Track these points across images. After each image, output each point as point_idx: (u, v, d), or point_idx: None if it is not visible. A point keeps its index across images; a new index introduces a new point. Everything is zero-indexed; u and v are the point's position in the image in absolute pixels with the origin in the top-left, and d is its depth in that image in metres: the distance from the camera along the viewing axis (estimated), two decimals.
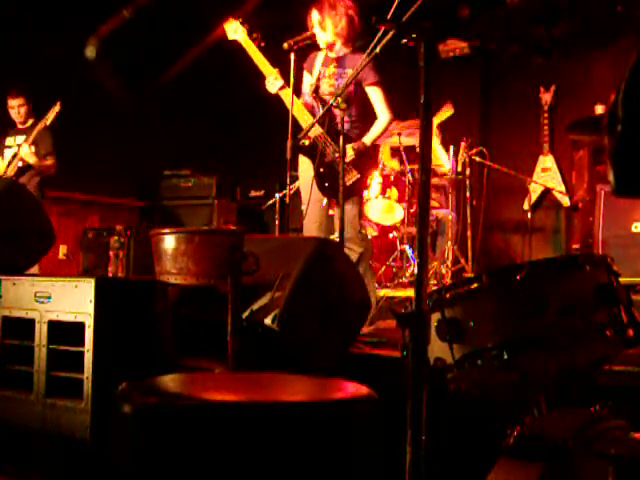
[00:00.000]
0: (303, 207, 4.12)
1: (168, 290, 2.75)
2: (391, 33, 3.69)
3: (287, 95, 3.83)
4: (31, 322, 2.69)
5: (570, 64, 6.60)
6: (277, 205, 5.99)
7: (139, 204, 7.30)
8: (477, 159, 5.98)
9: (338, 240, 3.67)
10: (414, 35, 1.45)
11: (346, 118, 3.88)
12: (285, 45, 3.81)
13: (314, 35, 3.90)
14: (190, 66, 6.43)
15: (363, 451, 1.48)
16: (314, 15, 3.92)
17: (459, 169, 6.08)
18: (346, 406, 1.48)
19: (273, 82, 3.88)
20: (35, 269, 4.13)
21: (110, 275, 5.54)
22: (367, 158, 3.97)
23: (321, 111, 3.82)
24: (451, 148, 6.03)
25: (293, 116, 3.81)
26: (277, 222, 5.94)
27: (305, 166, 4.04)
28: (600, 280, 1.80)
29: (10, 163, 5.47)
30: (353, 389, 1.58)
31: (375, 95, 3.94)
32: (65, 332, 2.58)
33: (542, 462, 1.54)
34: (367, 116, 4.02)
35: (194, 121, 7.42)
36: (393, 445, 1.52)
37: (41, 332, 2.65)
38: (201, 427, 1.37)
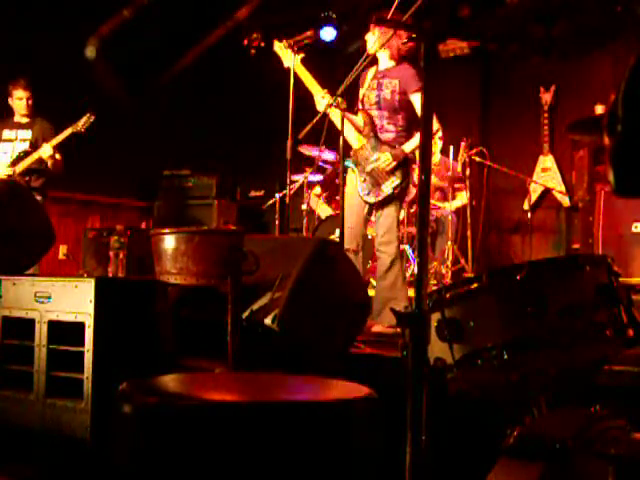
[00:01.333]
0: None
1: (168, 290, 2.75)
2: (391, 33, 3.70)
3: (334, 112, 3.95)
4: (31, 322, 2.69)
5: (570, 64, 6.60)
6: (277, 205, 5.99)
7: (139, 204, 7.30)
8: (477, 159, 5.98)
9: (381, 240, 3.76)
10: (414, 35, 1.45)
11: (392, 127, 4.05)
12: (285, 45, 3.84)
13: (314, 35, 3.96)
14: (190, 66, 6.43)
15: (363, 451, 1.48)
16: (372, 26, 4.08)
17: (459, 169, 6.08)
18: (346, 406, 1.48)
19: (320, 101, 4.00)
20: (35, 269, 4.13)
21: (110, 275, 5.53)
22: (407, 165, 4.03)
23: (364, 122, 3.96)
24: (451, 148, 6.03)
25: (291, 117, 3.88)
26: (277, 222, 5.94)
27: (351, 179, 4.16)
28: (600, 280, 1.80)
29: (19, 160, 5.41)
30: (353, 389, 1.58)
31: (419, 102, 4.01)
32: (65, 332, 2.58)
33: (542, 462, 1.54)
34: (415, 126, 4.11)
35: (194, 121, 7.42)
36: (393, 445, 1.51)
37: (41, 332, 2.65)
38: (201, 427, 1.37)
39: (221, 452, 1.37)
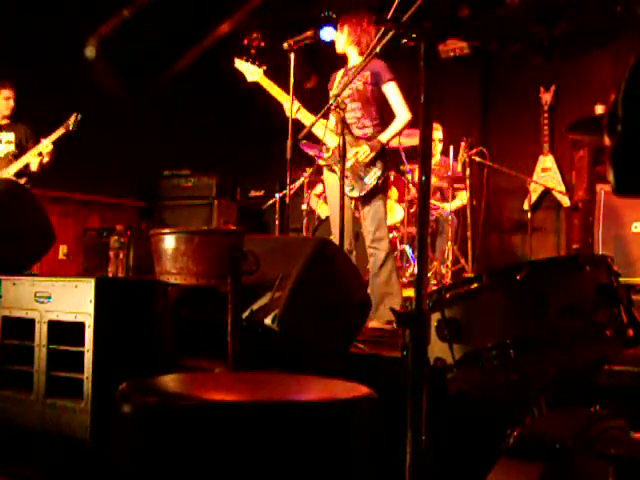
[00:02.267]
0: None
1: (168, 290, 2.75)
2: (391, 33, 3.70)
3: (304, 114, 3.99)
4: (31, 322, 2.69)
5: (570, 64, 6.60)
6: (277, 205, 5.99)
7: (139, 204, 7.30)
8: (477, 159, 5.98)
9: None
10: (414, 35, 1.45)
11: (368, 122, 4.03)
12: (285, 45, 3.84)
13: (314, 35, 3.95)
14: (190, 65, 6.42)
15: (363, 451, 1.48)
16: (340, 25, 4.12)
17: (459, 169, 6.08)
18: (346, 406, 1.48)
19: (288, 107, 3.98)
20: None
21: (110, 275, 5.53)
22: (385, 156, 4.02)
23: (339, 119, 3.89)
24: (451, 148, 6.03)
25: (296, 121, 3.92)
26: (277, 222, 5.94)
27: (329, 178, 4.15)
28: (600, 280, 1.80)
29: (10, 161, 5.40)
30: (353, 389, 1.58)
31: (392, 92, 4.01)
32: (65, 332, 2.58)
33: (542, 462, 1.54)
34: (388, 118, 4.08)
35: (194, 121, 7.42)
36: (393, 445, 1.52)
37: (41, 332, 2.65)
38: (201, 427, 1.37)
39: (221, 452, 1.37)
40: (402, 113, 3.99)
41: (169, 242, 2.61)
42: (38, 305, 2.68)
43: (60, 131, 5.35)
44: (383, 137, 3.99)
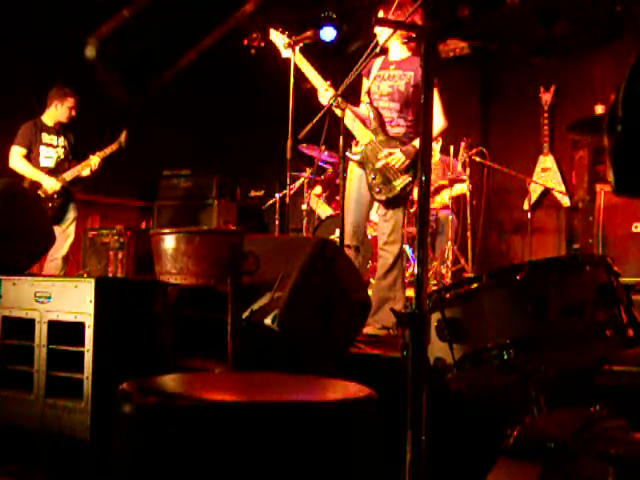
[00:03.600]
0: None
1: (168, 290, 2.75)
2: (392, 33, 3.69)
3: (338, 109, 3.82)
4: (31, 322, 2.68)
5: (570, 64, 6.60)
6: (277, 205, 6.00)
7: (139, 204, 7.30)
8: (477, 159, 5.98)
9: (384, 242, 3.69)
10: (414, 35, 1.45)
11: (402, 122, 3.91)
12: (285, 45, 3.82)
13: (314, 35, 3.91)
14: (190, 65, 6.43)
15: (363, 451, 1.48)
16: (380, 12, 3.92)
17: (459, 169, 6.08)
18: (346, 406, 1.48)
19: (324, 94, 3.87)
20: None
21: (110, 275, 5.53)
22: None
23: (372, 116, 3.81)
24: (451, 148, 6.03)
25: (291, 117, 3.82)
26: (277, 222, 5.94)
27: (354, 172, 4.02)
28: (600, 280, 1.80)
29: (69, 167, 5.46)
30: (353, 389, 1.58)
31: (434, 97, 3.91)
32: (65, 332, 2.58)
33: (542, 462, 1.54)
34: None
35: (194, 121, 7.42)
36: (393, 445, 1.52)
37: (41, 332, 2.65)
38: (201, 427, 1.37)
39: (221, 452, 1.37)
40: (437, 120, 3.87)
41: (169, 242, 2.61)
42: (38, 305, 2.68)
43: (113, 147, 5.52)
44: (418, 143, 3.90)
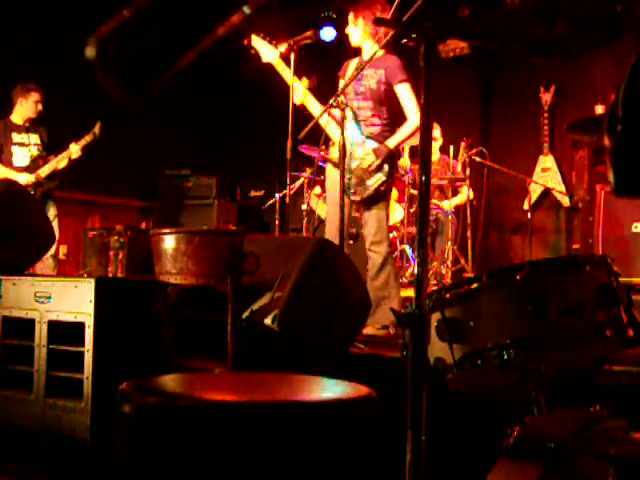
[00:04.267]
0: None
1: (168, 290, 2.75)
2: (391, 33, 3.69)
3: (309, 101, 3.87)
4: (31, 322, 2.68)
5: (570, 64, 6.60)
6: (277, 205, 6.00)
7: (139, 204, 7.30)
8: (477, 159, 5.98)
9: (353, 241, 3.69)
10: (414, 35, 1.45)
11: (377, 121, 3.91)
12: (285, 45, 3.82)
13: (314, 35, 3.91)
14: (190, 66, 6.43)
15: (363, 451, 1.48)
16: (350, 15, 3.96)
17: (459, 169, 6.08)
18: (346, 406, 1.48)
19: (297, 91, 3.90)
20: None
21: (110, 275, 5.53)
22: (393, 161, 3.92)
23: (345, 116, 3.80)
24: (451, 148, 6.03)
25: (291, 117, 3.82)
26: (277, 222, 5.94)
27: (331, 173, 4.04)
28: (600, 280, 1.80)
29: (44, 163, 5.46)
30: (353, 389, 1.58)
31: (404, 93, 3.88)
32: (65, 332, 2.58)
33: (542, 462, 1.54)
34: (399, 119, 3.97)
35: (194, 121, 7.42)
36: (393, 445, 1.52)
37: (41, 332, 2.65)
38: (201, 427, 1.37)
39: (221, 452, 1.37)
40: (413, 116, 3.86)
41: (169, 242, 2.61)
42: (38, 305, 2.68)
43: (88, 138, 5.52)
44: (391, 142, 3.87)
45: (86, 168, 6.30)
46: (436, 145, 6.25)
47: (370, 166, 3.81)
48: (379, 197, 3.87)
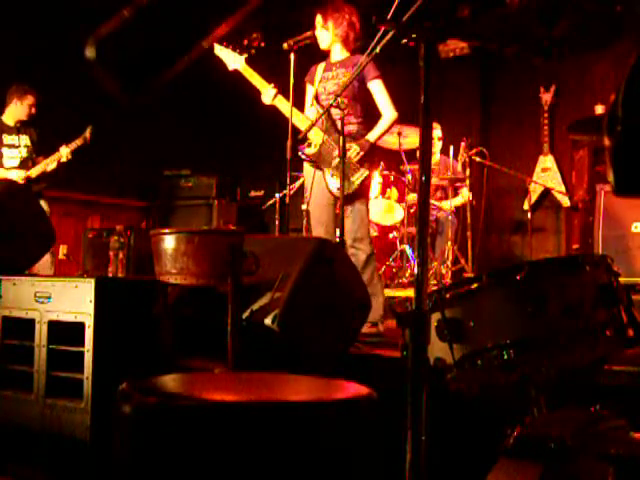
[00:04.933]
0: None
1: (168, 290, 2.75)
2: (391, 33, 3.69)
3: (281, 101, 3.91)
4: (31, 322, 2.69)
5: (570, 64, 6.61)
6: (277, 205, 5.99)
7: (139, 204, 7.30)
8: (477, 159, 5.98)
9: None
10: (414, 35, 1.45)
11: (353, 119, 3.92)
12: (285, 45, 3.83)
13: (314, 35, 3.92)
14: (190, 66, 6.43)
15: (363, 451, 1.48)
16: (318, 17, 4.00)
17: (459, 169, 6.08)
18: (346, 406, 1.48)
19: (266, 93, 3.94)
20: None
21: (110, 275, 5.53)
22: (372, 156, 3.96)
23: (323, 116, 3.84)
24: (451, 148, 6.03)
25: (293, 121, 3.84)
26: (277, 222, 5.94)
27: (309, 172, 4.05)
28: (600, 280, 1.80)
29: (33, 164, 5.48)
30: (353, 389, 1.58)
31: (378, 89, 3.93)
32: (65, 332, 2.58)
33: (542, 462, 1.54)
34: (373, 115, 4.01)
35: (194, 121, 7.42)
36: (393, 445, 1.52)
37: (41, 332, 2.65)
38: (201, 427, 1.37)
39: (221, 452, 1.37)
40: (388, 112, 3.93)
41: (169, 242, 2.61)
42: (38, 305, 2.68)
43: (79, 142, 5.52)
44: (371, 136, 3.92)
45: (86, 168, 6.31)
46: (437, 146, 6.25)
47: (355, 158, 3.83)
48: (361, 193, 3.90)
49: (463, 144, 6.01)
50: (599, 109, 5.88)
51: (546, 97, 6.89)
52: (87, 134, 5.53)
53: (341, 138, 3.58)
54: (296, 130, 3.87)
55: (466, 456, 2.36)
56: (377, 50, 3.77)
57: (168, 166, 7.02)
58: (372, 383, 1.62)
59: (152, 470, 1.42)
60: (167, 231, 2.64)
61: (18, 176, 5.37)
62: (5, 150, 5.47)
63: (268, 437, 1.37)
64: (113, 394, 1.51)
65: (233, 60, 4.08)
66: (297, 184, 6.15)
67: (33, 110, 5.55)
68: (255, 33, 4.10)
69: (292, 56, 3.84)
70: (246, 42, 4.18)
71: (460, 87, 7.09)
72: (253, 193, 7.35)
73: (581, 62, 6.54)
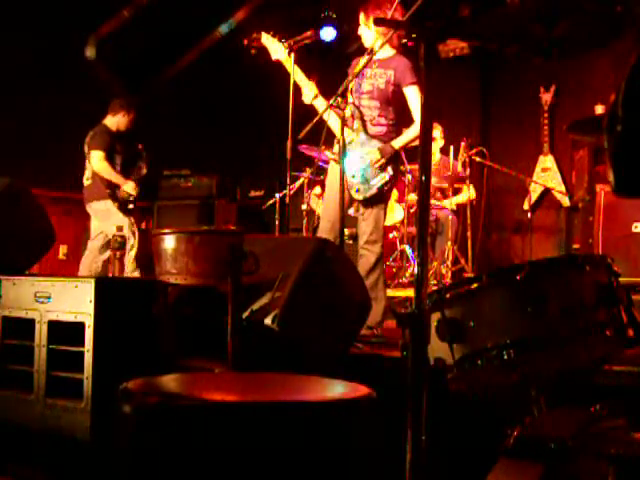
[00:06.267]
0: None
1: (168, 290, 2.75)
2: (391, 33, 3.69)
3: (321, 105, 3.85)
4: (31, 322, 2.68)
5: (570, 64, 6.60)
6: (277, 205, 6.00)
7: (139, 204, 7.29)
8: (477, 159, 5.98)
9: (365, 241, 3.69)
10: (414, 35, 1.45)
11: (383, 121, 3.89)
12: (285, 45, 3.82)
13: (314, 35, 3.91)
14: (190, 66, 6.43)
15: (363, 451, 1.48)
16: (361, 16, 3.95)
17: (459, 169, 6.08)
18: (346, 406, 1.48)
19: (308, 93, 3.90)
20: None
21: (110, 275, 5.54)
22: (397, 162, 3.93)
23: (355, 116, 3.82)
24: (451, 148, 6.03)
25: (291, 117, 3.82)
26: (277, 222, 5.94)
27: (334, 170, 3.99)
28: (600, 280, 1.80)
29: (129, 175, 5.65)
30: (353, 389, 1.58)
31: (413, 96, 3.85)
32: (65, 332, 2.58)
33: (542, 462, 1.54)
34: (405, 120, 3.96)
35: (194, 121, 7.41)
36: (393, 445, 1.52)
37: (41, 332, 2.65)
38: (201, 427, 1.37)
39: (221, 452, 1.37)
40: (420, 119, 3.88)
41: (169, 242, 2.61)
42: (38, 305, 2.68)
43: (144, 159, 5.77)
44: (396, 143, 3.86)
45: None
46: (437, 146, 6.25)
47: (375, 164, 3.81)
48: (381, 197, 3.87)
49: (463, 144, 6.01)
50: (599, 109, 5.88)
51: (546, 97, 6.89)
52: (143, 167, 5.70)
53: (341, 138, 3.58)
54: (331, 132, 3.85)
55: (466, 456, 2.36)
56: (376, 50, 3.77)
57: (168, 166, 7.01)
58: (372, 383, 1.62)
59: (152, 470, 1.42)
60: (167, 231, 2.64)
61: (133, 188, 5.57)
62: (115, 156, 5.62)
63: (268, 437, 1.37)
64: (113, 394, 1.51)
65: (277, 50, 4.01)
66: (297, 184, 6.16)
67: (130, 125, 5.73)
68: (255, 33, 4.09)
69: (292, 56, 3.84)
70: (246, 42, 4.18)
71: (460, 87, 7.09)
72: (253, 193, 7.35)
73: (581, 62, 6.53)
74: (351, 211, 4.46)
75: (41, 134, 6.08)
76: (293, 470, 1.38)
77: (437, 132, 6.19)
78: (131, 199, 5.51)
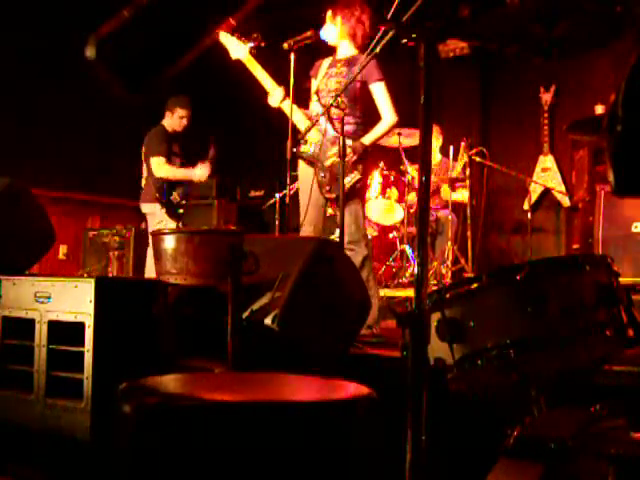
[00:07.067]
0: (301, 210, 4.05)
1: (168, 290, 2.75)
2: (391, 33, 3.69)
3: (288, 107, 3.83)
4: (31, 322, 2.68)
5: (570, 64, 6.60)
6: (277, 205, 5.99)
7: (139, 204, 7.30)
8: (477, 159, 5.98)
9: (338, 240, 3.64)
10: (414, 35, 1.45)
11: (351, 119, 3.86)
12: (285, 45, 3.81)
13: (314, 35, 3.90)
14: (189, 66, 6.43)
15: (363, 451, 1.48)
16: (328, 13, 3.96)
17: (459, 169, 6.08)
18: (346, 406, 1.48)
19: (274, 95, 3.88)
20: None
21: (110, 275, 5.54)
22: (367, 159, 3.90)
23: (322, 115, 3.80)
24: (451, 148, 6.03)
25: (294, 121, 3.80)
26: (277, 222, 5.94)
27: (305, 171, 4.00)
28: (600, 280, 1.80)
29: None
30: (353, 389, 1.58)
31: (379, 92, 3.86)
32: (65, 332, 2.58)
33: (542, 462, 1.54)
34: (372, 117, 3.94)
35: (194, 121, 7.41)
36: (393, 445, 1.52)
37: (41, 332, 2.65)
38: (201, 427, 1.37)
39: (221, 452, 1.37)
40: (388, 116, 3.85)
41: (169, 242, 2.61)
42: (38, 305, 2.68)
43: (211, 155, 5.72)
44: (366, 139, 3.85)
45: (86, 168, 6.31)
46: (436, 146, 6.24)
47: (345, 162, 3.79)
48: (354, 195, 3.82)
49: (463, 144, 6.01)
50: (599, 109, 5.88)
51: (546, 97, 6.89)
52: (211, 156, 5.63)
53: (340, 138, 3.56)
54: (297, 130, 3.84)
55: (466, 456, 2.36)
56: (377, 50, 3.77)
57: None
58: (372, 383, 1.62)
59: (152, 470, 1.42)
60: (167, 231, 2.65)
61: (204, 172, 5.55)
62: (173, 158, 5.61)
63: (268, 437, 1.37)
64: (113, 394, 1.51)
65: (237, 49, 3.98)
66: (297, 184, 6.15)
67: (184, 122, 5.72)
68: (255, 33, 4.09)
69: (292, 56, 3.83)
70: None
71: (460, 87, 7.09)
72: (253, 193, 7.35)
73: (581, 62, 6.53)
74: (330, 210, 4.44)
75: (41, 134, 6.08)
76: (293, 470, 1.38)
77: (435, 133, 6.18)
78: (182, 203, 5.44)
